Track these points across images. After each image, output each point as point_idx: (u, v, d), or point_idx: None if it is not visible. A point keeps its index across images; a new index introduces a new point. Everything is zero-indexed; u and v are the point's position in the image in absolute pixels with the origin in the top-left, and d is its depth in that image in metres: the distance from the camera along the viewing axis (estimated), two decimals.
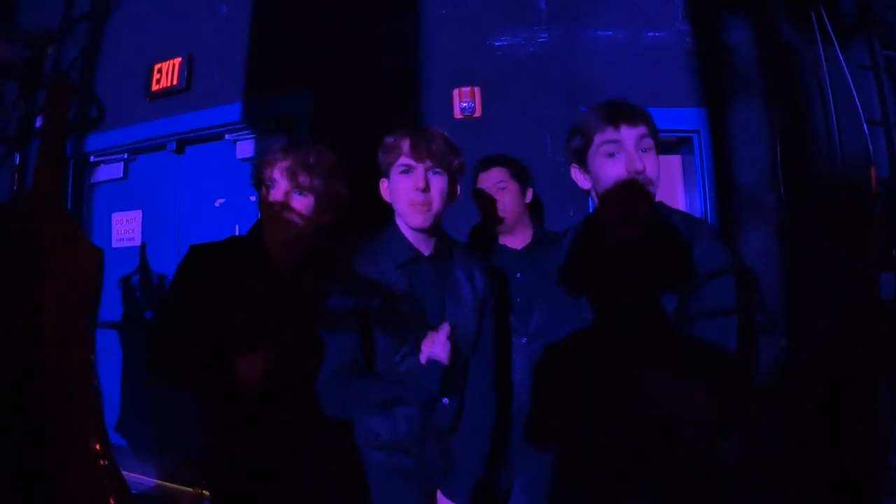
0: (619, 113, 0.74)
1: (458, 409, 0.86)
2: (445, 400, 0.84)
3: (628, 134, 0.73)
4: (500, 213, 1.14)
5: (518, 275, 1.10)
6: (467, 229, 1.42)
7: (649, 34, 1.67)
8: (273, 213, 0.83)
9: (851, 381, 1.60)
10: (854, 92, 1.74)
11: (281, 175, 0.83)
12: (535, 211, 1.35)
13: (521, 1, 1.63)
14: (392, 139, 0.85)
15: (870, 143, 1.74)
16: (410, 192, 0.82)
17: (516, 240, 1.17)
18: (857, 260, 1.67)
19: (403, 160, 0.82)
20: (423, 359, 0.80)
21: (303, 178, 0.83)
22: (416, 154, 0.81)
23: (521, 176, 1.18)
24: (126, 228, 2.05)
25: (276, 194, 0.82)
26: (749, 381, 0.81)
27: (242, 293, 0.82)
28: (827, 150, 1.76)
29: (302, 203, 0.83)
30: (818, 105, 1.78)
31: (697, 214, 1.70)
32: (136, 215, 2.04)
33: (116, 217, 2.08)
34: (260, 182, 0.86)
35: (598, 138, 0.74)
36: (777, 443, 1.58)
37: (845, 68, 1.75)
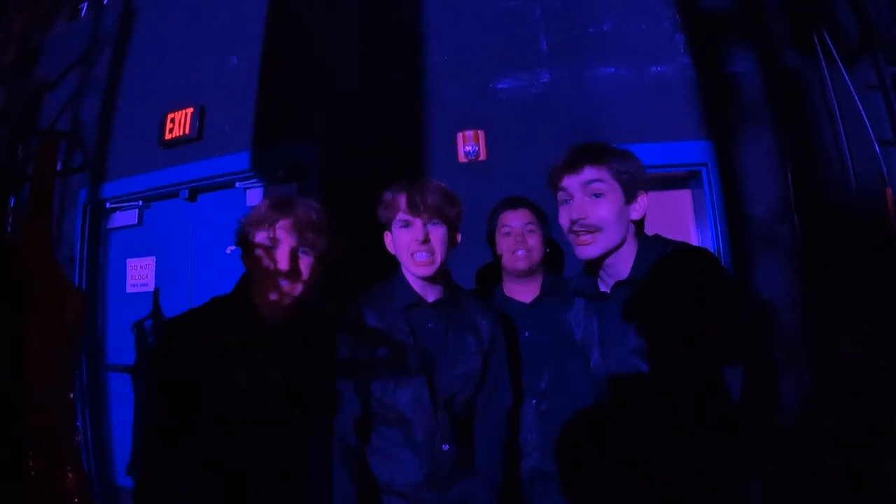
0: (566, 162, 0.77)
1: (456, 455, 0.86)
2: (445, 446, 0.85)
3: (571, 182, 0.76)
4: (527, 258, 1.08)
5: (526, 333, 1.06)
6: (469, 274, 1.42)
7: (652, 69, 1.67)
8: (275, 273, 0.80)
9: (878, 412, 1.54)
10: (863, 112, 1.72)
11: (287, 234, 0.81)
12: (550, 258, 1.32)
13: (522, 42, 1.66)
14: (390, 195, 0.88)
15: (882, 163, 1.70)
16: (412, 244, 0.85)
17: (525, 291, 1.11)
18: (877, 285, 1.63)
19: (401, 216, 0.86)
20: None
21: (310, 236, 0.82)
22: (413, 209, 0.85)
23: (545, 221, 1.14)
24: (140, 274, 2.09)
25: (282, 254, 0.80)
26: (769, 422, 0.79)
27: (241, 364, 0.80)
28: (839, 175, 1.73)
29: (306, 262, 0.82)
30: (827, 129, 1.76)
31: (711, 249, 1.67)
32: (150, 261, 2.08)
33: (131, 263, 2.12)
34: (248, 240, 0.83)
35: (556, 187, 0.80)
36: (804, 475, 1.51)
37: (852, 89, 1.74)
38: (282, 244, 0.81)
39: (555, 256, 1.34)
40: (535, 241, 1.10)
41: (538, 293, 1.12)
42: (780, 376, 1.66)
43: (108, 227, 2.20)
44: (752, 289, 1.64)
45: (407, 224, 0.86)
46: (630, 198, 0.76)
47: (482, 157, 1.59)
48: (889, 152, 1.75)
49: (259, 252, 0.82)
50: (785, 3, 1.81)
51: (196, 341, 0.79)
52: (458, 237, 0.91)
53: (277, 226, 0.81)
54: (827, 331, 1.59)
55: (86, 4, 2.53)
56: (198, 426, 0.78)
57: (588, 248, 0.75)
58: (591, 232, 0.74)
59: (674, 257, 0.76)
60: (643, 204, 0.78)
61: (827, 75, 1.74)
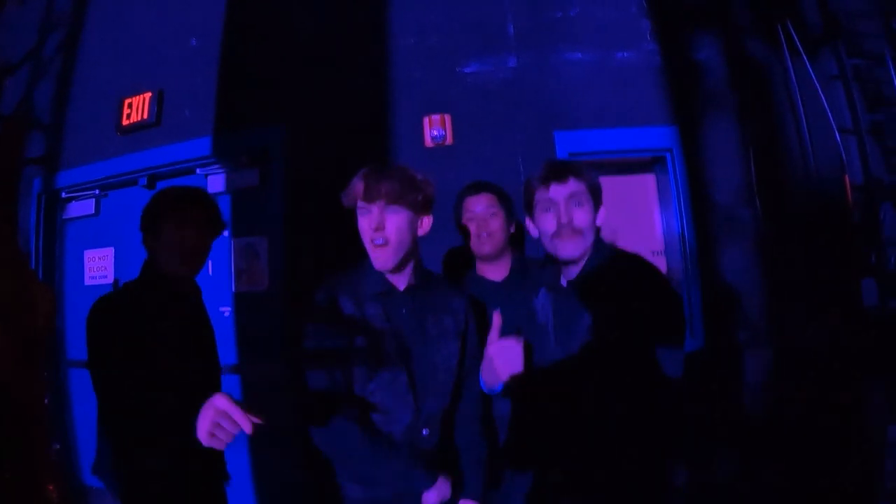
0: (551, 173, 0.88)
1: (436, 442, 0.86)
2: (425, 431, 0.84)
3: (558, 192, 0.86)
4: (490, 241, 1.12)
5: (497, 309, 1.08)
6: (440, 257, 1.41)
7: (618, 55, 1.68)
8: (188, 248, 0.92)
9: (840, 389, 1.59)
10: (825, 102, 1.76)
11: (200, 217, 0.94)
12: (515, 238, 1.33)
13: (489, 27, 1.64)
14: (353, 181, 0.87)
15: (843, 151, 1.75)
16: (368, 232, 0.84)
17: (496, 271, 1.15)
18: (837, 268, 1.68)
19: (360, 202, 0.85)
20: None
21: (200, 215, 0.95)
22: (369, 195, 0.83)
23: (508, 204, 1.17)
24: (98, 266, 2.01)
25: (190, 234, 0.92)
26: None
27: (175, 331, 0.90)
28: (801, 161, 1.78)
29: (209, 241, 0.96)
30: (789, 117, 1.80)
31: (675, 233, 1.70)
32: (109, 252, 1.99)
33: (89, 254, 2.04)
34: (158, 226, 0.92)
35: (536, 196, 0.90)
36: (768, 453, 1.56)
37: (814, 79, 1.78)
38: (190, 227, 0.92)
39: (519, 235, 1.34)
40: (497, 225, 1.13)
41: (508, 272, 1.15)
42: (744, 357, 1.72)
43: (64, 217, 2.10)
44: (716, 272, 1.67)
45: (364, 211, 0.85)
46: (596, 207, 0.90)
47: (449, 141, 1.57)
48: (849, 140, 1.80)
49: (167, 233, 0.91)
50: None
51: (127, 317, 0.85)
52: (427, 222, 0.89)
53: (189, 212, 0.92)
54: (788, 311, 1.64)
55: None
56: (149, 394, 0.81)
57: (572, 249, 0.86)
58: (575, 234, 0.86)
59: (619, 258, 0.90)
60: (603, 213, 0.92)
61: (790, 65, 1.78)
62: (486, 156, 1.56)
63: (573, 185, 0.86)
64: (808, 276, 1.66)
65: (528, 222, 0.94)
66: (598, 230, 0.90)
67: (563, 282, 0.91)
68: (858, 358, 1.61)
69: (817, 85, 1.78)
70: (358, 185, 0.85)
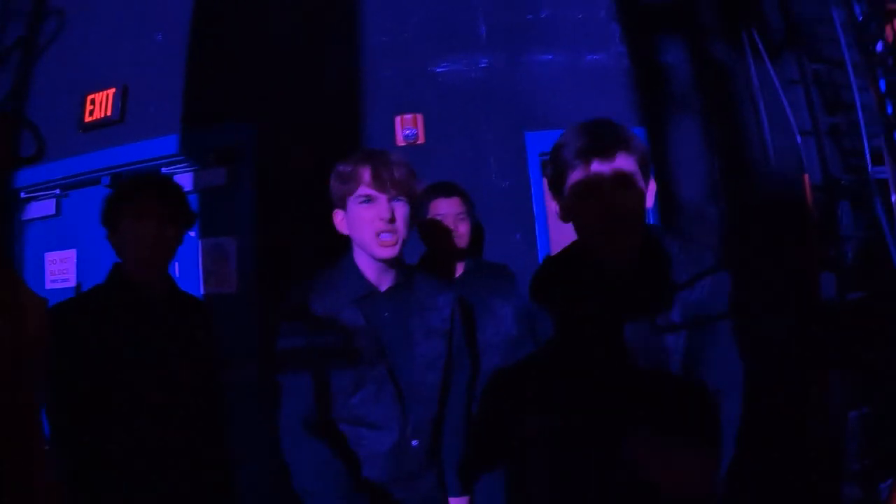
0: (594, 147, 0.64)
1: (426, 452, 0.81)
2: (415, 442, 0.79)
3: (601, 169, 0.63)
4: (459, 245, 1.12)
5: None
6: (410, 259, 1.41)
7: (588, 57, 1.71)
8: (148, 244, 0.85)
9: (801, 381, 1.66)
10: (786, 104, 1.84)
11: (156, 206, 0.86)
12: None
13: (461, 27, 1.65)
14: (349, 167, 0.78)
15: (802, 151, 1.84)
16: (376, 223, 0.76)
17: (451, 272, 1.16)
18: (797, 263, 1.75)
19: (363, 190, 0.76)
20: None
21: (175, 210, 0.89)
22: (379, 184, 0.75)
23: (472, 207, 1.19)
24: (60, 269, 1.93)
25: (149, 226, 0.85)
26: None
27: (135, 341, 0.83)
28: (763, 161, 1.85)
29: (172, 232, 0.89)
30: (752, 118, 1.87)
31: None
32: (71, 254, 1.92)
33: (49, 257, 1.95)
34: (118, 219, 0.86)
35: (571, 176, 0.66)
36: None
37: (777, 82, 1.85)
38: (148, 219, 0.85)
39: (477, 239, 1.36)
40: (465, 229, 1.14)
41: (462, 272, 1.17)
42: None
43: (23, 218, 2.01)
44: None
45: (370, 199, 0.76)
46: (647, 185, 0.69)
47: (421, 140, 1.57)
48: (808, 142, 1.89)
49: (127, 225, 0.85)
50: None
51: (86, 321, 0.81)
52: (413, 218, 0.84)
53: (146, 203, 0.85)
54: (751, 303, 1.70)
55: None
56: (102, 410, 0.78)
57: (624, 238, 0.66)
58: (631, 217, 0.65)
59: (680, 248, 0.71)
60: (653, 190, 0.70)
61: (753, 69, 1.85)
62: (458, 155, 1.57)
63: (622, 162, 0.63)
64: (769, 271, 1.73)
65: (554, 205, 0.72)
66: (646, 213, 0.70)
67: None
68: (818, 348, 1.69)
69: (779, 88, 1.85)
70: (363, 172, 0.76)
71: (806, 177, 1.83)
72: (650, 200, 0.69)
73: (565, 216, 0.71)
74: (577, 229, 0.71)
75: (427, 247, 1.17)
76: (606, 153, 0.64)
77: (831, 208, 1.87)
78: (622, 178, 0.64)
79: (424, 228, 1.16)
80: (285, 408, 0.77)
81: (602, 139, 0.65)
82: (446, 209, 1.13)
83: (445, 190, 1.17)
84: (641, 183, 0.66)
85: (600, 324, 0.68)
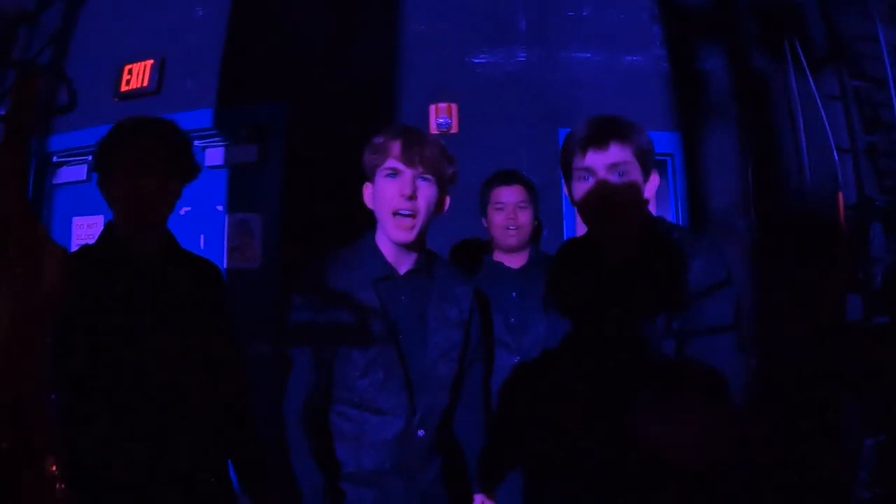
0: (591, 137, 0.72)
1: (431, 443, 0.79)
2: (421, 432, 0.77)
3: (596, 160, 0.71)
4: (518, 234, 1.12)
5: (514, 294, 1.10)
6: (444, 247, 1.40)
7: (627, 58, 1.69)
8: (140, 198, 0.73)
9: (821, 400, 1.62)
10: (825, 120, 1.79)
11: (150, 157, 0.74)
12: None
13: (501, 20, 1.64)
14: (381, 139, 0.77)
15: (838, 169, 1.79)
16: (395, 199, 0.74)
17: (514, 259, 1.15)
18: (824, 282, 1.71)
19: (391, 163, 0.75)
20: None
21: (174, 160, 0.77)
22: (407, 158, 0.74)
23: (536, 197, 1.18)
24: (87, 233, 1.96)
25: (148, 179, 0.73)
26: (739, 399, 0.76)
27: (120, 308, 0.72)
28: (797, 176, 1.81)
29: (173, 186, 0.77)
30: (789, 131, 1.83)
31: None
32: (98, 220, 1.95)
33: (77, 221, 1.99)
34: (110, 167, 0.75)
35: (574, 163, 0.74)
36: (747, 462, 1.58)
37: (816, 97, 1.81)
38: (140, 166, 0.73)
39: (538, 229, 1.35)
40: (525, 218, 1.13)
41: (526, 261, 1.16)
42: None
43: (54, 182, 2.05)
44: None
45: (395, 173, 0.74)
46: (646, 176, 0.74)
47: (454, 129, 1.57)
48: (845, 159, 1.84)
49: (117, 176, 0.74)
50: (759, 6, 1.86)
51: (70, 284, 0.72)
52: (447, 201, 0.81)
53: (139, 147, 0.73)
54: (774, 320, 1.67)
55: None
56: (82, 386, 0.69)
57: (619, 226, 0.71)
58: (627, 205, 0.71)
59: (679, 234, 0.76)
60: (655, 182, 0.75)
61: (793, 81, 1.81)
62: (491, 146, 1.56)
63: (616, 153, 0.70)
64: (795, 288, 1.69)
65: (566, 187, 0.79)
66: (646, 203, 0.74)
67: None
68: (838, 370, 1.65)
69: (818, 103, 1.80)
70: (393, 145, 0.74)
71: (840, 195, 1.78)
72: (649, 191, 0.74)
73: (572, 200, 0.78)
74: (580, 214, 0.77)
75: (493, 234, 1.16)
76: (601, 143, 0.71)
77: (863, 229, 1.82)
78: (615, 166, 0.71)
79: (484, 212, 1.16)
80: (292, 383, 0.76)
81: (600, 130, 0.72)
82: (505, 197, 1.12)
83: (506, 177, 1.16)
84: (636, 173, 0.72)
85: (598, 310, 0.73)
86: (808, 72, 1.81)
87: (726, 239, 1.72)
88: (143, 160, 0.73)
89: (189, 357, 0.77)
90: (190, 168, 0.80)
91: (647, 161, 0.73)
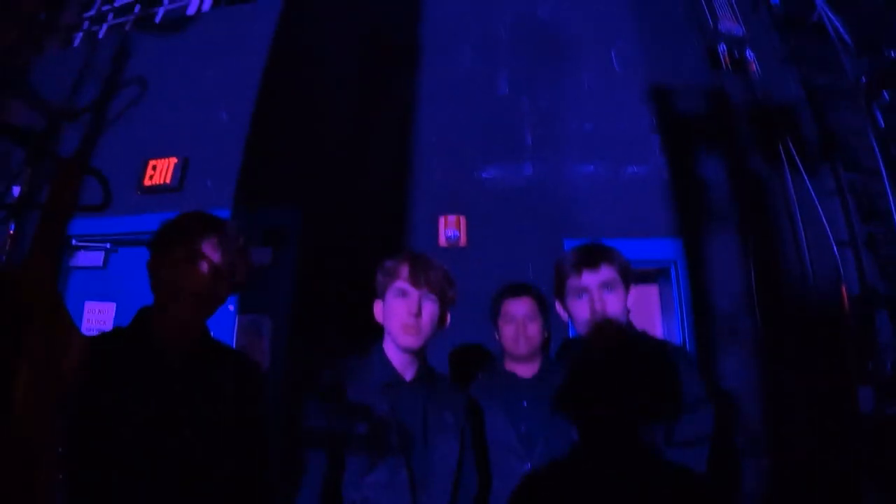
0: (583, 260, 0.89)
1: None
2: None
3: (590, 279, 0.87)
4: (528, 344, 1.13)
5: (525, 403, 1.10)
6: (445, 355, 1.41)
7: (628, 169, 1.76)
8: (189, 293, 0.71)
9: (838, 496, 1.56)
10: (822, 215, 1.84)
11: (213, 251, 0.73)
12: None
13: (508, 135, 1.73)
14: (392, 263, 0.89)
15: (840, 262, 1.81)
16: (404, 316, 0.84)
17: (525, 369, 1.16)
18: (835, 376, 1.69)
19: (400, 284, 0.86)
20: None
21: (234, 259, 0.75)
22: (414, 280, 0.85)
23: (545, 308, 1.19)
24: (98, 318, 1.99)
25: (202, 269, 0.72)
26: None
27: (136, 396, 0.69)
28: (799, 273, 1.83)
29: (224, 286, 0.75)
30: (788, 230, 1.87)
31: (676, 341, 1.72)
32: (110, 307, 1.99)
33: (90, 306, 2.02)
34: (162, 252, 0.74)
35: (568, 283, 0.90)
36: None
37: (813, 193, 1.86)
38: (204, 260, 0.72)
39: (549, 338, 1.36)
40: (535, 330, 1.14)
41: (537, 371, 1.16)
42: (742, 463, 1.70)
43: (71, 264, 2.11)
44: (716, 378, 1.68)
45: (404, 293, 0.85)
46: (627, 290, 0.90)
47: (462, 242, 1.61)
48: (845, 252, 1.87)
49: (175, 263, 0.73)
50: (753, 112, 1.96)
51: (96, 364, 0.68)
52: (448, 320, 0.92)
53: (203, 241, 0.73)
54: (786, 419, 1.64)
55: (80, 35, 2.52)
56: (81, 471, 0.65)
57: (607, 336, 0.86)
58: (614, 319, 0.86)
59: (656, 344, 0.91)
60: (633, 294, 0.91)
61: (790, 180, 1.87)
62: (498, 258, 1.60)
63: (605, 273, 0.87)
64: (806, 384, 1.67)
65: (558, 306, 0.95)
66: (627, 311, 0.90)
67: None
68: (857, 465, 1.60)
69: (815, 199, 1.86)
70: (403, 268, 0.86)
71: (843, 287, 1.79)
72: (630, 302, 0.90)
73: (567, 315, 0.93)
74: (576, 325, 0.91)
75: (500, 342, 1.18)
76: (594, 264, 0.88)
77: (869, 319, 1.82)
78: (605, 283, 0.87)
79: (495, 323, 1.18)
80: (306, 484, 0.79)
81: (591, 254, 0.90)
82: (516, 309, 1.15)
83: (516, 290, 1.19)
84: (621, 288, 0.89)
85: (584, 408, 0.82)
86: (803, 170, 1.88)
87: (732, 341, 1.72)
88: (207, 255, 0.73)
89: (218, 456, 0.73)
90: (244, 277, 0.79)
91: (628, 277, 0.91)
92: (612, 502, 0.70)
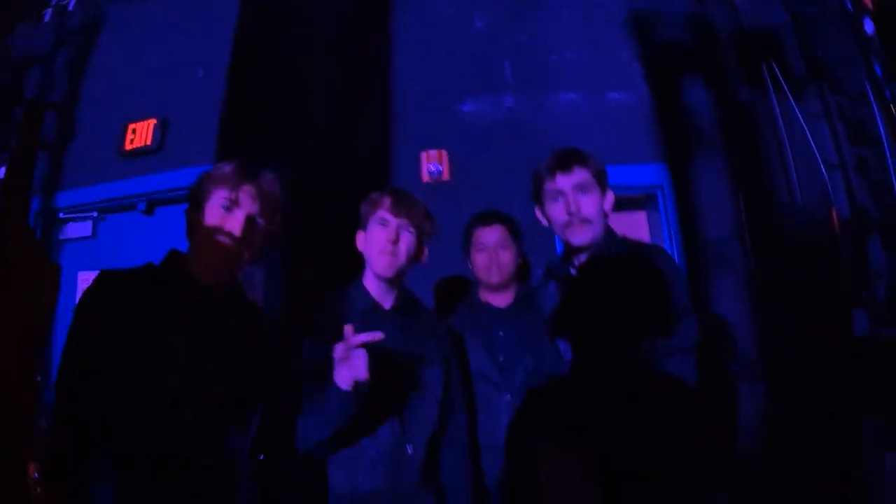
0: (557, 164, 0.91)
1: (423, 461, 0.84)
2: (410, 449, 0.83)
3: (564, 182, 0.90)
4: (500, 272, 1.11)
5: (501, 333, 1.09)
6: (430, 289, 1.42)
7: (611, 95, 1.74)
8: (225, 235, 0.74)
9: (835, 423, 1.60)
10: (810, 138, 1.82)
11: (249, 199, 0.76)
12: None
13: (487, 68, 1.70)
14: (377, 194, 0.93)
15: (828, 184, 1.81)
16: (382, 242, 0.88)
17: (500, 298, 1.14)
18: (827, 301, 1.70)
19: (382, 213, 0.89)
20: (344, 384, 0.73)
21: (269, 209, 0.78)
22: (395, 210, 0.89)
23: (518, 235, 1.17)
24: None
25: (238, 218, 0.75)
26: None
27: (167, 329, 0.71)
28: (788, 197, 1.83)
29: (258, 232, 0.77)
30: (776, 154, 1.86)
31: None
32: None
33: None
34: (202, 196, 0.77)
35: (545, 187, 0.92)
36: (766, 488, 1.55)
37: (800, 117, 1.84)
38: (240, 208, 0.75)
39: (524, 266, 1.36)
40: (507, 258, 1.12)
41: (512, 300, 1.14)
42: (737, 388, 1.73)
43: (60, 237, 2.10)
44: (707, 307, 1.70)
45: (384, 222, 0.89)
46: (603, 193, 0.92)
47: (446, 176, 1.61)
48: (834, 174, 1.86)
49: (212, 210, 0.75)
50: (737, 36, 1.92)
51: (124, 300, 0.71)
52: (425, 254, 0.94)
53: (241, 189, 0.76)
54: (780, 344, 1.66)
55: (49, 11, 2.45)
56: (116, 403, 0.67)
57: (583, 236, 0.88)
58: (585, 223, 0.88)
59: (634, 249, 0.91)
60: (611, 198, 0.93)
61: (776, 104, 1.85)
62: (482, 192, 1.59)
63: (578, 175, 0.89)
64: (798, 309, 1.69)
65: (538, 212, 0.97)
66: (605, 215, 0.92)
67: (573, 270, 0.92)
68: (852, 388, 1.63)
69: (803, 122, 1.84)
70: (385, 199, 0.90)
71: (833, 210, 1.79)
72: (607, 205, 0.92)
73: (543, 219, 0.95)
74: (555, 230, 0.93)
75: (476, 274, 1.16)
76: (567, 167, 0.90)
77: (861, 242, 1.83)
78: (579, 185, 0.89)
79: (467, 254, 1.16)
80: (304, 417, 0.79)
81: (564, 157, 0.92)
82: (487, 237, 1.13)
83: (486, 218, 1.16)
84: (597, 190, 0.91)
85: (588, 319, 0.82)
86: (789, 93, 1.85)
87: (722, 267, 1.73)
88: (246, 202, 0.76)
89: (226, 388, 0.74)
90: (278, 225, 0.82)
91: (604, 181, 0.92)
92: (603, 423, 0.68)
